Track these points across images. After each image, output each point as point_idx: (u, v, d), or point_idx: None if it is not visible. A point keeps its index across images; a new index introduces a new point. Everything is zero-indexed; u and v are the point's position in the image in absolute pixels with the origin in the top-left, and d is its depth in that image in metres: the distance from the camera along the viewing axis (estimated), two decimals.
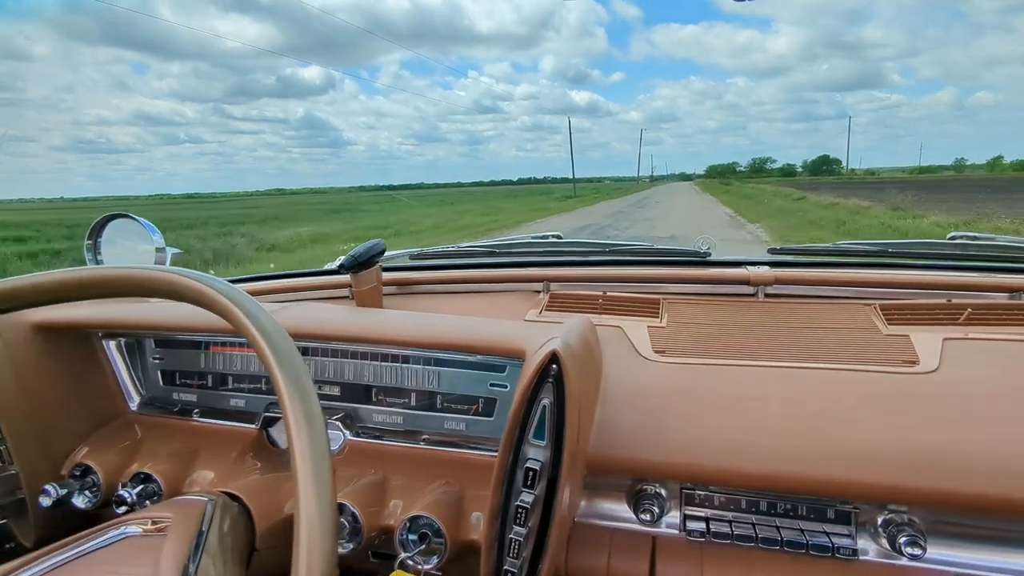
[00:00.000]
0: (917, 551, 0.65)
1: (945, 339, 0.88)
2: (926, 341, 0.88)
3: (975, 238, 1.19)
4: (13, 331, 0.86)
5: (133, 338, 0.98)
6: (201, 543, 0.61)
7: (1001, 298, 1.01)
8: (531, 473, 0.65)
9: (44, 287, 0.56)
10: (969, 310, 0.94)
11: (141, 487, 0.82)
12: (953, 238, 1.21)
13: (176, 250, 1.30)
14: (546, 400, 0.65)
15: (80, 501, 0.85)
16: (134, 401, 0.98)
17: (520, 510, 0.65)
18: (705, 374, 0.84)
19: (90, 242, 1.26)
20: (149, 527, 0.64)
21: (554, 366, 0.65)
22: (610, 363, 0.86)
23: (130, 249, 1.29)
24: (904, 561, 0.68)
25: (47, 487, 0.82)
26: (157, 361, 0.99)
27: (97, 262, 1.25)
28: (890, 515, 0.68)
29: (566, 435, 0.65)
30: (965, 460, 0.65)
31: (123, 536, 0.63)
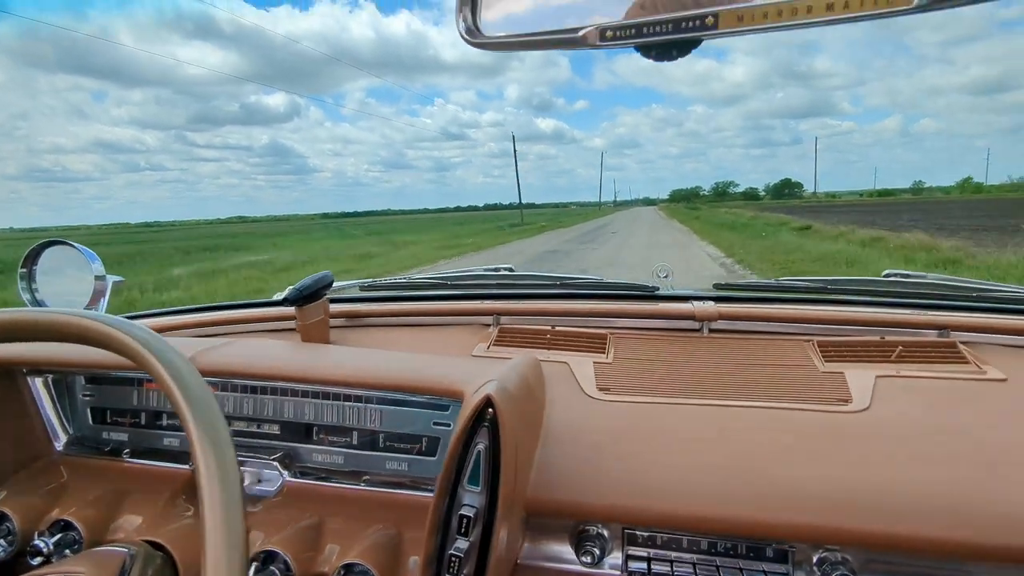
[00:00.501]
0: None
1: (878, 376, 0.91)
2: (859, 379, 0.91)
3: (907, 276, 1.24)
4: None
5: (60, 375, 0.94)
6: None
7: (931, 335, 1.06)
8: (465, 520, 0.64)
9: None
10: (900, 348, 0.98)
11: (60, 535, 0.78)
12: (888, 275, 1.26)
13: (118, 278, 1.25)
14: (481, 445, 0.65)
15: None
16: (60, 440, 0.93)
17: (453, 559, 0.63)
18: (647, 413, 0.85)
19: (24, 270, 1.20)
20: None
21: (490, 410, 0.65)
22: (553, 402, 0.86)
23: (67, 277, 1.25)
24: None
25: None
26: (87, 398, 0.95)
27: (31, 291, 1.20)
28: (825, 553, 0.69)
29: (501, 480, 0.64)
30: (894, 501, 0.67)
31: None
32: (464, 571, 0.64)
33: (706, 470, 0.73)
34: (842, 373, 0.93)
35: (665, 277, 1.31)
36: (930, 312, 1.11)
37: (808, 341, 1.05)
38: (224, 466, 0.44)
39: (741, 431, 0.80)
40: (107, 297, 1.22)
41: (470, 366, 0.82)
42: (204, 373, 0.84)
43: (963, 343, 1.01)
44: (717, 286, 1.27)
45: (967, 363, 0.95)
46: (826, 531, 0.67)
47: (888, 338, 1.03)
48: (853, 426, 0.80)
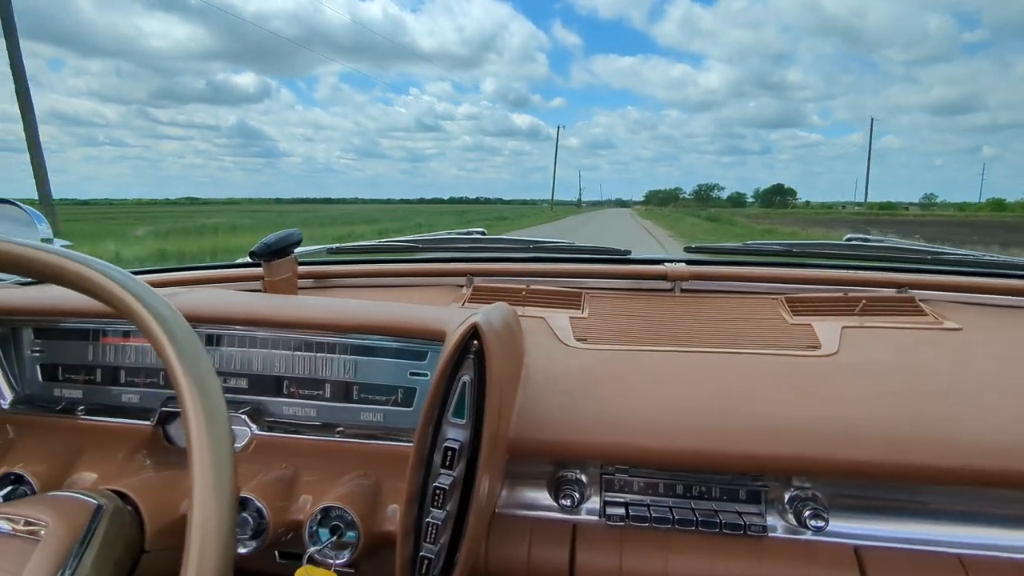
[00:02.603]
0: (820, 523, 0.71)
1: (843, 327, 0.98)
2: (826, 329, 0.97)
3: (867, 239, 1.35)
4: None
5: (7, 327, 0.92)
6: (80, 552, 0.57)
7: (890, 292, 1.15)
8: (450, 453, 0.65)
9: None
10: (864, 302, 1.06)
11: (11, 488, 0.76)
12: (849, 239, 1.37)
13: (66, 243, 1.26)
14: (466, 377, 0.66)
15: None
16: (6, 399, 0.91)
17: (438, 492, 0.64)
18: (625, 359, 0.88)
19: None
20: (20, 527, 0.58)
21: (475, 342, 0.66)
22: (532, 350, 0.89)
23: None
24: (808, 535, 0.74)
25: None
26: (36, 354, 0.92)
27: None
28: (795, 491, 0.74)
29: (486, 413, 0.65)
30: (862, 431, 0.72)
31: None
32: (447, 507, 0.65)
33: (683, 408, 0.77)
34: (810, 325, 1.00)
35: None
36: (889, 273, 1.21)
37: (776, 298, 1.12)
38: (211, 406, 0.44)
39: (716, 373, 0.84)
40: None
41: (449, 311, 0.83)
42: None
43: (921, 300, 1.09)
44: (687, 249, 1.35)
45: (925, 315, 1.03)
46: (800, 460, 0.71)
47: (851, 294, 1.11)
48: (823, 367, 0.85)
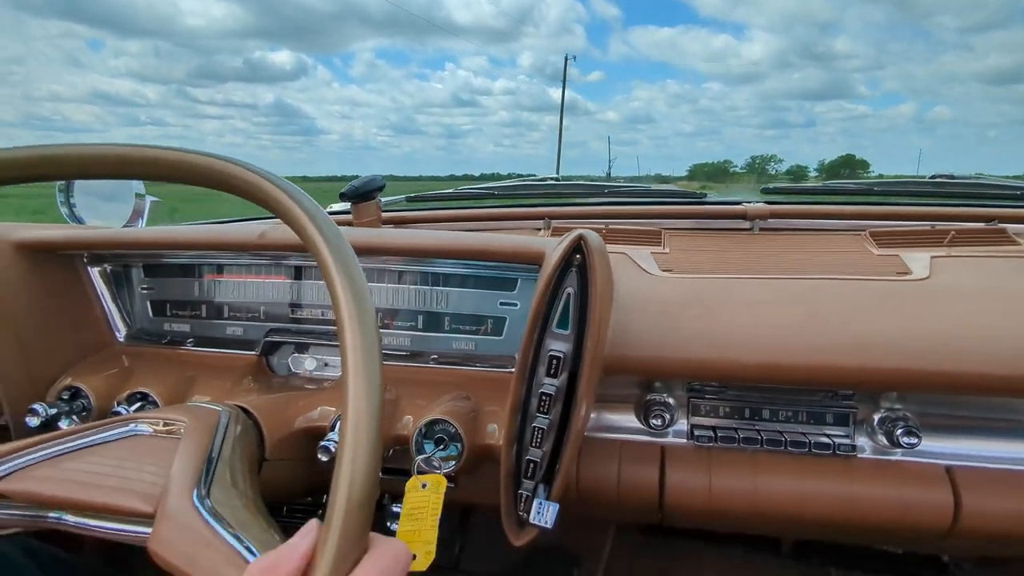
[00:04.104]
0: (913, 440, 0.73)
1: (933, 257, 0.98)
2: (915, 258, 0.97)
3: (952, 177, 1.33)
4: None
5: (120, 264, 1.00)
6: (217, 450, 0.63)
7: (979, 225, 1.14)
8: (555, 362, 0.69)
9: (62, 159, 0.47)
10: (953, 233, 1.06)
11: (139, 404, 0.84)
12: (934, 177, 1.35)
13: (155, 198, 1.33)
14: (570, 289, 0.69)
15: (68, 426, 0.85)
16: (120, 332, 1.00)
17: (544, 398, 0.69)
18: (712, 285, 0.90)
19: (63, 184, 1.27)
20: (160, 428, 0.66)
21: (578, 256, 0.69)
22: (620, 279, 0.91)
23: (104, 194, 1.31)
24: (898, 456, 0.76)
25: (35, 406, 0.82)
26: (146, 291, 1.00)
27: (70, 205, 1.27)
28: (885, 412, 0.76)
29: (589, 323, 0.68)
30: (960, 344, 0.72)
31: (131, 433, 0.64)
32: (551, 416, 0.69)
33: (773, 325, 0.78)
34: (897, 255, 1.00)
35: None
36: (976, 208, 1.20)
37: (860, 233, 1.13)
38: (365, 320, 0.43)
39: (808, 296, 0.85)
40: (146, 215, 1.30)
41: (542, 239, 0.86)
42: (269, 246, 0.89)
43: (1013, 233, 1.09)
44: (765, 190, 1.36)
45: (1019, 244, 1.03)
46: (897, 373, 0.71)
47: (939, 227, 1.11)
48: (914, 290, 0.85)
